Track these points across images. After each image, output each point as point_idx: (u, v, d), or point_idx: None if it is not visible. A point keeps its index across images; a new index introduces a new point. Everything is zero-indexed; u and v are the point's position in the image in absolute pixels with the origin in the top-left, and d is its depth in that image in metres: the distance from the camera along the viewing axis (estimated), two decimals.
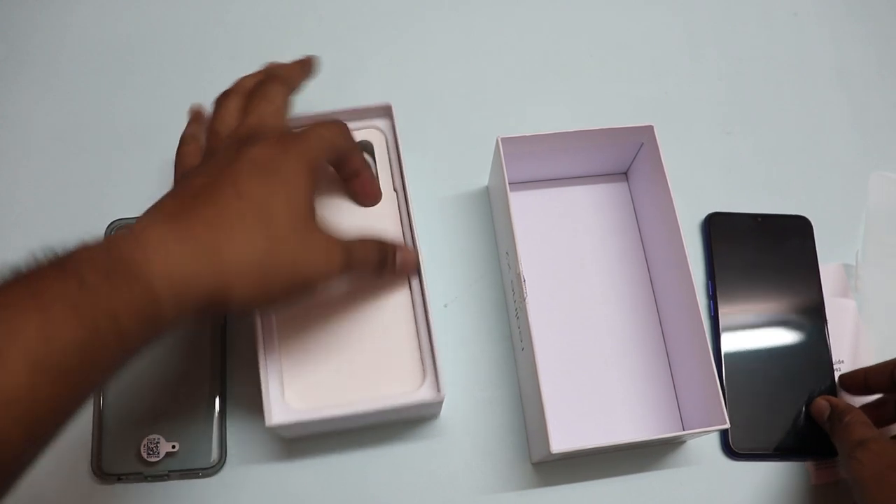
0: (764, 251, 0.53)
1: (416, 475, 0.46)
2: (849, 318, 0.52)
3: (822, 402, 0.48)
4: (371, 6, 0.59)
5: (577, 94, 0.58)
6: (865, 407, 0.48)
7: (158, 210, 0.34)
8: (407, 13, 0.59)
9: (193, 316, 0.32)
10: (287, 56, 0.45)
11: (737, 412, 0.48)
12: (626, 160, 0.52)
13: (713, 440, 0.49)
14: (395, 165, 0.46)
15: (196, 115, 0.44)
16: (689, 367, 0.46)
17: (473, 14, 0.60)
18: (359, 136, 0.47)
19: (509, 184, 0.47)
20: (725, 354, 0.50)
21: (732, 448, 0.48)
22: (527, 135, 0.47)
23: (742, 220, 0.54)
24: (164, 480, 0.45)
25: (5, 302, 0.27)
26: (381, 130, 0.47)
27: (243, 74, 0.43)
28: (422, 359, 0.43)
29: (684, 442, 0.48)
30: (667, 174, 0.47)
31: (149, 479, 0.44)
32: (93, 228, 0.48)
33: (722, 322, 0.51)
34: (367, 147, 0.47)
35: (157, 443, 0.44)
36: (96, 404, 0.45)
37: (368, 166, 0.45)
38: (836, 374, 0.50)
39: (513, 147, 0.47)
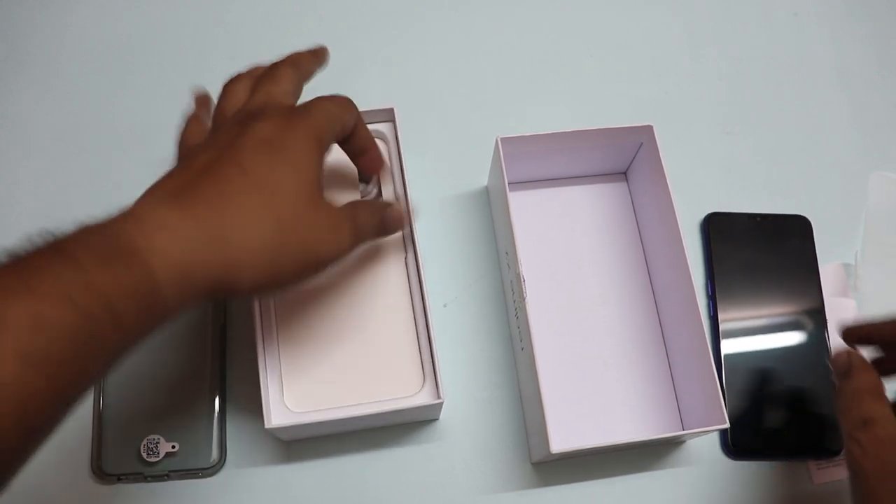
0: (764, 251, 0.53)
1: (416, 476, 0.46)
2: (849, 318, 0.52)
3: (842, 356, 0.38)
4: (371, 6, 0.59)
5: (576, 94, 0.58)
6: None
7: (160, 188, 0.32)
8: (407, 13, 0.59)
9: (197, 302, 0.31)
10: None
11: (737, 412, 0.48)
12: (625, 160, 0.52)
13: (713, 440, 0.49)
14: (397, 169, 0.46)
15: (202, 100, 0.42)
16: (689, 367, 0.46)
17: (473, 14, 0.60)
18: None
19: (509, 184, 0.47)
20: (725, 354, 0.50)
21: (732, 448, 0.48)
22: (526, 135, 0.47)
23: (742, 220, 0.54)
24: (164, 480, 0.45)
25: None
26: (383, 134, 0.47)
27: None
28: (421, 362, 0.43)
29: (684, 442, 0.48)
30: (666, 174, 0.47)
31: (149, 479, 0.44)
32: None
33: (721, 322, 0.51)
34: None
35: (157, 443, 0.44)
36: (96, 404, 0.45)
37: (375, 142, 0.43)
38: None
39: (512, 147, 0.47)
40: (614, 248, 0.52)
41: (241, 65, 0.45)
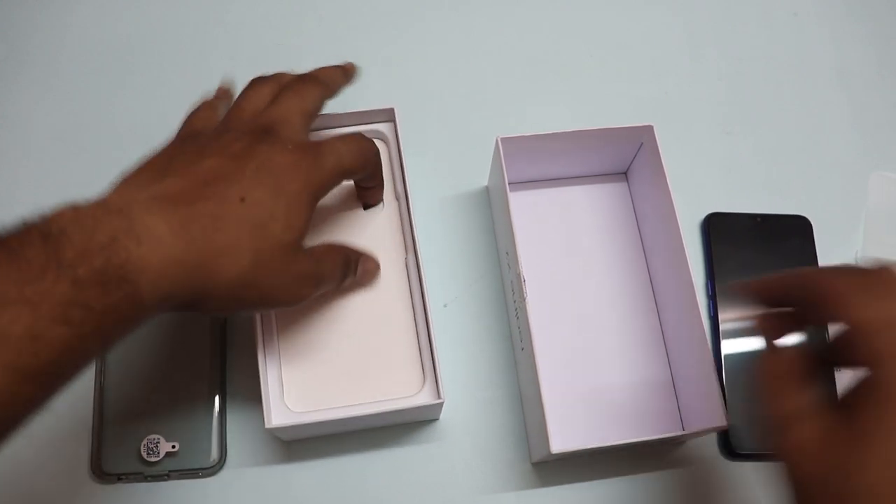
0: (764, 251, 0.53)
1: (416, 475, 0.46)
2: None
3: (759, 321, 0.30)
4: (371, 6, 0.59)
5: (576, 94, 0.58)
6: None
7: (158, 181, 0.33)
8: (407, 13, 0.59)
9: (159, 314, 0.31)
10: (286, 57, 0.45)
11: (737, 412, 0.48)
12: (625, 160, 0.52)
13: (713, 440, 0.49)
14: (398, 169, 0.46)
15: (224, 92, 0.43)
16: (689, 367, 0.46)
17: (473, 14, 0.60)
18: None
19: (509, 184, 0.47)
20: (725, 354, 0.50)
21: (732, 448, 0.48)
22: (526, 135, 0.46)
23: (742, 220, 0.54)
24: (164, 480, 0.45)
25: None
26: (383, 134, 0.47)
27: (243, 74, 0.43)
28: (422, 362, 0.43)
29: (684, 442, 0.48)
30: (666, 174, 0.46)
31: (149, 478, 0.44)
32: None
33: (722, 322, 0.51)
34: None
35: (157, 443, 0.44)
36: (96, 404, 0.45)
37: (382, 181, 0.45)
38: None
39: (512, 147, 0.47)
40: (614, 248, 0.52)
41: (241, 65, 0.45)
